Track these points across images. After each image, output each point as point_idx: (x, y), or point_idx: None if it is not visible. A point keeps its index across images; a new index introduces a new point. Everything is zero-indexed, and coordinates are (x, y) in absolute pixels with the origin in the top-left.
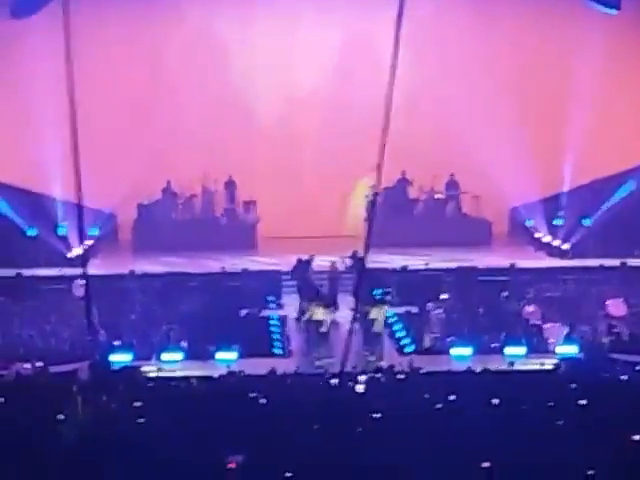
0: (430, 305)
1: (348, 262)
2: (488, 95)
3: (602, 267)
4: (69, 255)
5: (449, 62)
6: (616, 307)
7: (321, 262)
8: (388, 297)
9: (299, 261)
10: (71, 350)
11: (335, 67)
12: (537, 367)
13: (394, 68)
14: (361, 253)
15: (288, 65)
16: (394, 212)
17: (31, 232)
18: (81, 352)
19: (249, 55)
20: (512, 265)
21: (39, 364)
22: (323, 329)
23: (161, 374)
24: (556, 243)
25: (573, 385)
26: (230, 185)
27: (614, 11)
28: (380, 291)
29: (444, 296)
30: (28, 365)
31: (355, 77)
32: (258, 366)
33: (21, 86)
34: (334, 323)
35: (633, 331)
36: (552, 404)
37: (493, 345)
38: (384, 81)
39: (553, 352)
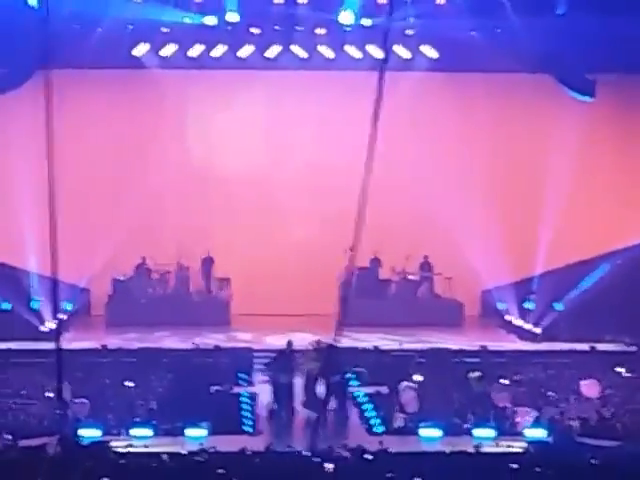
0: (401, 386)
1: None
2: (462, 177)
3: (572, 351)
4: (42, 329)
5: (424, 144)
6: (590, 388)
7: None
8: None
9: (281, 352)
10: (40, 424)
11: (314, 148)
12: (506, 450)
13: (372, 152)
14: (325, 342)
15: (268, 144)
16: (366, 292)
17: (5, 306)
18: (50, 426)
19: (227, 134)
20: (483, 347)
21: (7, 437)
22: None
23: (131, 450)
24: (527, 326)
25: (539, 469)
26: (207, 262)
27: (588, 98)
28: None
29: (418, 378)
30: None
31: (332, 159)
32: (228, 443)
33: None
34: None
35: (603, 415)
36: None
37: (463, 427)
38: (361, 162)
39: (522, 435)
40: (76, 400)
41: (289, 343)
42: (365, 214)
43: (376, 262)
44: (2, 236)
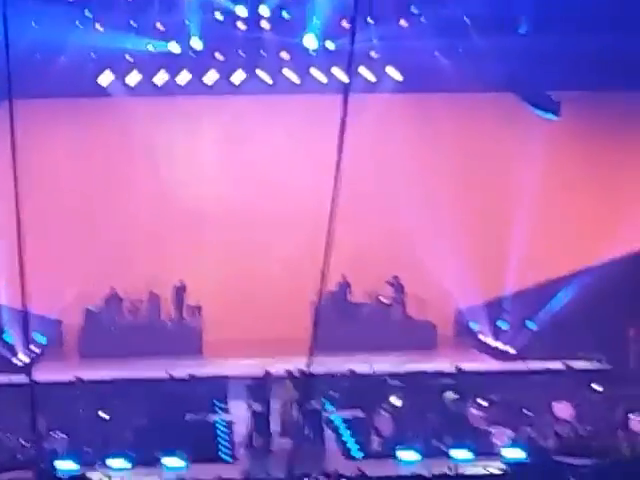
0: (378, 410)
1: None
2: (431, 198)
3: (547, 370)
4: (15, 361)
5: (391, 165)
6: (562, 410)
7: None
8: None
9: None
10: (14, 457)
11: (282, 172)
12: (483, 471)
13: (338, 174)
14: (299, 369)
15: (237, 170)
16: (339, 316)
17: None
18: (25, 460)
19: (195, 160)
20: (458, 368)
21: None
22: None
23: None
24: (500, 346)
25: None
26: (179, 290)
27: (553, 117)
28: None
29: (395, 401)
30: None
31: (301, 183)
32: (205, 472)
33: None
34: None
35: (579, 434)
36: None
37: (440, 449)
38: (329, 186)
39: (500, 455)
40: (53, 434)
41: (265, 372)
42: (333, 238)
43: (346, 285)
44: None
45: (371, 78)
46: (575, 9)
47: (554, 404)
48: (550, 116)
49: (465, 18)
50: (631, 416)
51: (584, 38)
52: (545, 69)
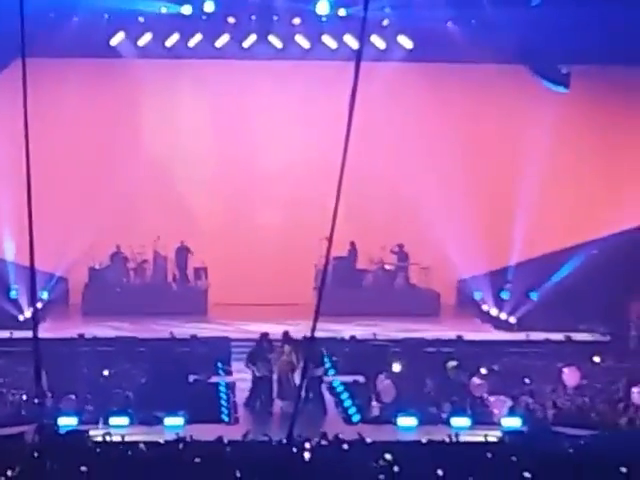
0: (380, 376)
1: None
2: (439, 168)
3: (547, 341)
4: (20, 318)
5: (400, 134)
6: (571, 375)
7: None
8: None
9: (258, 342)
10: (18, 413)
11: (290, 137)
12: (482, 439)
13: (347, 140)
14: (301, 332)
15: (243, 133)
16: (343, 282)
17: None
18: (28, 415)
19: (203, 123)
20: (459, 337)
21: None
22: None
23: (108, 438)
24: (503, 316)
25: (515, 458)
26: (182, 251)
27: (563, 89)
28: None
29: (396, 367)
30: None
31: (308, 149)
32: (205, 432)
33: None
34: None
35: (578, 404)
36: (497, 476)
37: (439, 416)
38: (338, 152)
39: (498, 424)
40: (56, 390)
41: (266, 334)
42: (340, 203)
43: (353, 252)
44: None
45: (382, 46)
46: None
47: (555, 373)
48: (560, 89)
49: None
50: (634, 389)
51: (595, 10)
52: (556, 41)
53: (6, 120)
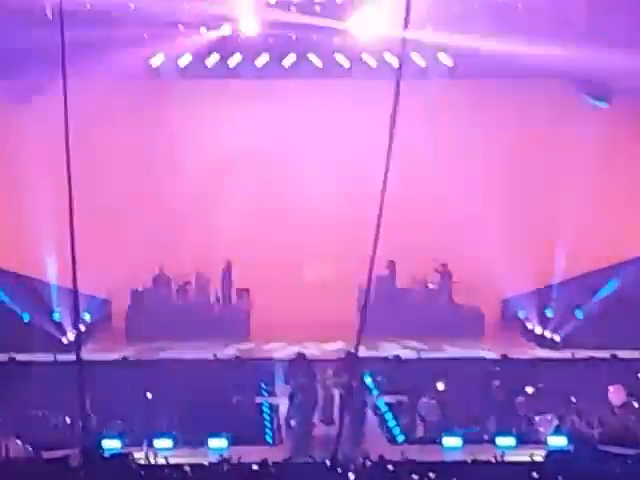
0: (423, 395)
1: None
2: (481, 185)
3: (593, 358)
4: (63, 340)
5: (443, 152)
6: (616, 393)
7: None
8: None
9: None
10: (62, 436)
11: (332, 156)
12: (527, 459)
13: (389, 158)
14: (345, 352)
15: (286, 152)
16: (386, 301)
17: (26, 317)
18: (72, 438)
19: (245, 141)
20: (504, 356)
21: (28, 448)
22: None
23: (152, 461)
24: (547, 334)
25: (561, 478)
26: (226, 272)
27: (604, 104)
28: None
29: (441, 386)
30: (19, 442)
31: (350, 167)
32: (249, 454)
33: (17, 170)
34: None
35: (624, 423)
36: None
37: (484, 435)
38: (379, 171)
39: (543, 443)
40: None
41: (307, 354)
42: (382, 221)
43: (392, 271)
44: (22, 248)
45: (421, 63)
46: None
47: (601, 392)
48: (601, 104)
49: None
50: None
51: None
52: (598, 57)
53: (44, 142)
